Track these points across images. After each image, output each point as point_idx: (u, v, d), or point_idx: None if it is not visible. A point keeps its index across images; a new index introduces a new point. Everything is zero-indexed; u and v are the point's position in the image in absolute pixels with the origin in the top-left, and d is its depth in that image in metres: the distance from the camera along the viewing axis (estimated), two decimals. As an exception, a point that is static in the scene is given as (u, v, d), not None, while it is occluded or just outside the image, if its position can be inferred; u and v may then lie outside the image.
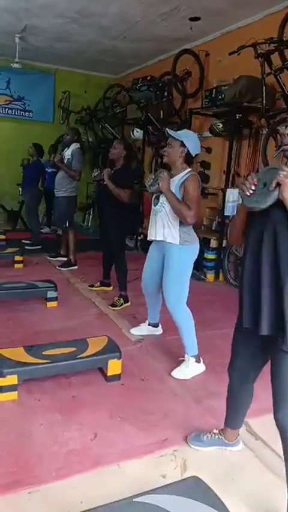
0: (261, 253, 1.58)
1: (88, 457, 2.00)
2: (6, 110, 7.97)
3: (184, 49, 5.78)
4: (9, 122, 8.00)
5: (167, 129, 2.82)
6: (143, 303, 3.42)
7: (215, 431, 2.10)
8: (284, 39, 4.00)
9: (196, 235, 2.92)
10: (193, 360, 2.85)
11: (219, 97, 4.93)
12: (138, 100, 6.50)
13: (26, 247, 5.89)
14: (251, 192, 1.61)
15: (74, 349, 2.67)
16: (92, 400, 2.46)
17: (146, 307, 3.38)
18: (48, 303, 3.95)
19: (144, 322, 3.44)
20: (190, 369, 2.83)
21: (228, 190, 4.78)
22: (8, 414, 2.30)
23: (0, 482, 1.80)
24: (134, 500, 1.45)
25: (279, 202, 1.49)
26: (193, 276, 2.89)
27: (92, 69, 8.06)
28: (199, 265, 5.00)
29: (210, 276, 5.15)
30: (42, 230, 7.33)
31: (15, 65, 6.62)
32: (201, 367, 2.87)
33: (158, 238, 2.88)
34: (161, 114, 6.03)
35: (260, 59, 4.11)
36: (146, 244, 6.25)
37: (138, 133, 6.84)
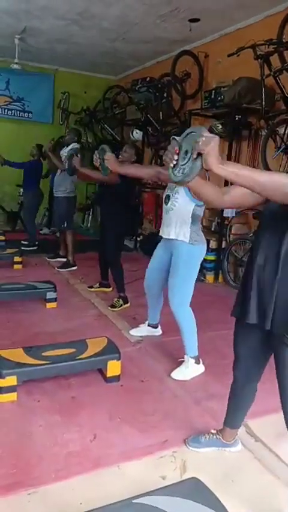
0: (279, 252, 1.54)
1: (88, 459, 2.00)
2: (6, 110, 7.97)
3: (183, 50, 5.79)
4: (9, 122, 8.01)
5: (174, 137, 2.80)
6: (143, 304, 3.42)
7: (212, 431, 2.10)
8: (284, 40, 4.02)
9: (204, 237, 2.92)
10: (193, 361, 2.85)
11: (219, 98, 4.94)
12: (137, 101, 6.51)
13: (23, 248, 5.89)
14: (174, 162, 1.44)
15: (73, 350, 2.67)
16: (92, 401, 2.46)
17: (146, 308, 3.38)
18: (47, 304, 3.95)
19: (144, 323, 3.44)
20: (190, 370, 2.83)
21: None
22: (7, 415, 2.30)
23: (0, 483, 1.80)
24: (133, 501, 1.45)
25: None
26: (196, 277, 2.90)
27: (92, 70, 8.07)
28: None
29: (209, 277, 5.16)
30: (41, 231, 7.33)
31: (15, 66, 6.62)
32: (200, 368, 2.87)
33: (170, 237, 2.87)
34: (161, 115, 6.05)
35: (259, 60, 4.12)
36: (145, 245, 6.31)
37: (137, 134, 6.85)
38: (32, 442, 2.09)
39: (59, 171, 5.32)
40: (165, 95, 6.14)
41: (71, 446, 2.07)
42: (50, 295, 3.96)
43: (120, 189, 3.86)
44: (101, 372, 2.71)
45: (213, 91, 5.05)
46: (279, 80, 4.10)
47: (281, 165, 4.34)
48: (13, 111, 8.02)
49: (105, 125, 7.64)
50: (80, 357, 2.61)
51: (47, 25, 5.68)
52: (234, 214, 4.90)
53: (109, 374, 2.65)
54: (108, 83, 8.09)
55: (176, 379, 2.76)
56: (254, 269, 1.65)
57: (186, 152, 1.39)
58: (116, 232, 4.10)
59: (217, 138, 1.34)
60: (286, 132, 4.24)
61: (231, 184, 1.51)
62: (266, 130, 4.55)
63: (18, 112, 8.07)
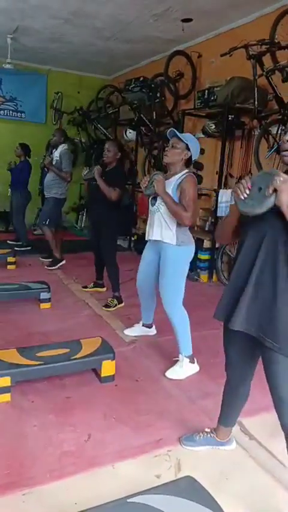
0: (256, 257, 1.58)
1: (82, 458, 2.00)
2: (-2, 110, 7.93)
3: (176, 50, 5.80)
4: (1, 122, 7.96)
5: (172, 129, 2.82)
6: (137, 303, 3.42)
7: (207, 430, 2.11)
8: (276, 40, 4.03)
9: (192, 237, 2.93)
10: (187, 360, 2.85)
11: (212, 98, 4.95)
12: (131, 101, 6.51)
13: (16, 248, 5.87)
14: (245, 196, 1.59)
15: (67, 350, 2.67)
16: (86, 401, 2.46)
17: (140, 308, 3.38)
18: (41, 305, 3.94)
19: (138, 322, 3.45)
20: (184, 369, 2.83)
21: (220, 191, 4.80)
22: (1, 416, 2.29)
23: (-6, 484, 1.79)
24: (128, 500, 1.45)
25: (275, 208, 1.49)
26: (187, 276, 2.90)
27: (85, 70, 8.05)
28: (193, 266, 4.99)
29: (203, 276, 5.17)
30: (34, 232, 7.30)
31: (7, 66, 6.58)
32: (195, 368, 2.88)
33: (155, 238, 2.88)
34: (154, 115, 6.04)
35: (251, 60, 4.13)
36: (139, 245, 6.30)
37: (131, 134, 6.85)
38: (27, 443, 2.08)
39: (49, 171, 5.29)
40: (158, 94, 6.14)
41: (66, 446, 2.07)
42: (44, 295, 3.95)
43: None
44: (96, 371, 2.71)
45: (206, 91, 5.06)
46: (272, 79, 4.11)
47: (273, 165, 4.36)
48: (6, 111, 7.97)
49: (99, 125, 7.62)
50: (74, 357, 2.61)
51: (40, 24, 5.66)
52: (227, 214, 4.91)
53: (103, 374, 2.65)
54: (101, 82, 8.07)
55: (171, 378, 2.77)
56: (233, 274, 1.70)
57: (259, 189, 1.54)
58: (111, 232, 4.10)
59: None
60: (279, 131, 4.26)
61: None
62: (258, 130, 4.56)
63: (10, 112, 8.02)
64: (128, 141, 7.03)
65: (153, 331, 3.43)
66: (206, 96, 5.06)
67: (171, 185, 2.78)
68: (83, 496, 1.75)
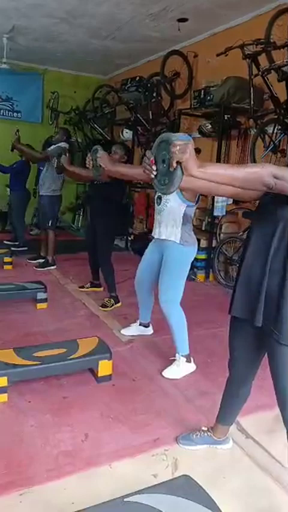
0: (269, 251, 1.55)
1: (79, 458, 2.00)
2: (-5, 110, 7.92)
3: (173, 50, 5.80)
4: (-2, 122, 7.95)
5: (168, 133, 2.78)
6: (134, 303, 3.42)
7: (204, 428, 2.12)
8: (271, 40, 4.04)
9: (195, 238, 2.93)
10: (184, 359, 2.86)
11: (208, 98, 4.95)
12: (127, 101, 6.50)
13: (13, 248, 5.86)
14: (155, 173, 1.45)
15: (64, 350, 2.67)
16: (83, 401, 2.46)
17: (137, 308, 3.38)
18: (38, 305, 3.93)
19: (135, 322, 3.45)
20: (181, 368, 2.84)
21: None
22: (-2, 416, 2.29)
23: (-9, 484, 1.79)
24: (125, 500, 1.46)
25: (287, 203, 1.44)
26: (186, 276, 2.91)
27: (81, 69, 8.04)
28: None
29: (200, 275, 5.18)
30: (31, 232, 7.29)
31: (3, 65, 6.58)
32: (192, 367, 2.89)
33: (161, 237, 2.88)
34: (150, 114, 6.04)
35: (247, 60, 4.14)
36: (136, 245, 6.31)
37: (127, 133, 6.85)
38: (24, 443, 2.08)
39: (45, 168, 5.27)
40: (154, 94, 6.13)
41: (63, 446, 2.07)
42: (41, 295, 3.94)
43: (111, 188, 3.86)
44: (93, 371, 2.71)
45: (203, 90, 5.06)
46: (268, 79, 4.12)
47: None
48: (2, 111, 7.96)
49: (95, 125, 7.61)
50: (71, 357, 2.61)
51: (36, 24, 5.65)
52: (224, 214, 4.93)
53: (100, 374, 2.65)
54: (97, 82, 8.07)
55: (168, 378, 2.77)
56: (243, 266, 1.67)
57: (163, 161, 1.40)
58: (107, 232, 4.09)
59: (191, 141, 1.36)
60: (275, 131, 4.27)
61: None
62: (254, 130, 4.58)
63: (7, 112, 8.01)
64: (125, 140, 7.02)
65: (150, 330, 3.44)
66: (202, 96, 5.06)
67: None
68: (80, 496, 1.75)
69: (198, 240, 5.06)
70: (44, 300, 3.96)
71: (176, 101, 6.05)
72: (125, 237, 6.78)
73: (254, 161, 4.47)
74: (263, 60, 4.13)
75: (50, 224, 5.28)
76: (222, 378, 1.99)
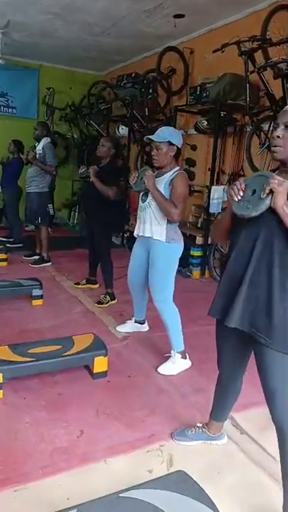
0: (251, 256, 1.58)
1: (74, 454, 2.00)
2: (-11, 106, 7.87)
3: (169, 46, 5.79)
4: (-8, 118, 7.90)
5: (147, 136, 2.80)
6: (130, 300, 3.42)
7: (198, 424, 2.13)
8: (267, 37, 4.04)
9: (181, 234, 2.94)
10: (179, 356, 2.87)
11: (204, 94, 4.95)
12: (123, 97, 6.49)
13: (8, 245, 5.84)
14: (239, 198, 1.58)
15: (59, 347, 2.67)
16: (78, 398, 2.46)
17: (132, 305, 3.39)
18: (33, 301, 3.92)
19: (131, 319, 3.45)
20: (176, 365, 2.85)
21: (213, 187, 4.81)
22: (-7, 413, 2.29)
23: (-15, 481, 1.79)
24: (120, 495, 1.46)
25: (270, 210, 1.49)
26: (179, 272, 2.92)
27: (77, 65, 8.00)
28: (185, 262, 5.02)
29: (196, 272, 5.18)
30: (26, 228, 7.27)
31: (-2, 61, 6.54)
32: (187, 363, 2.89)
33: (145, 235, 2.89)
34: (146, 111, 6.03)
35: (243, 56, 4.13)
36: (132, 242, 6.26)
37: (123, 130, 6.83)
38: (19, 439, 2.08)
39: (32, 166, 5.22)
40: (150, 90, 6.12)
41: (58, 442, 2.08)
42: (36, 292, 3.93)
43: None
44: (88, 368, 2.71)
45: (199, 87, 5.06)
46: (264, 76, 4.12)
47: (265, 162, 4.38)
48: (-3, 107, 7.92)
49: (91, 121, 7.59)
50: (66, 353, 2.61)
51: (31, 19, 5.61)
52: (219, 210, 4.93)
53: (96, 370, 2.65)
54: (93, 78, 8.03)
55: (163, 374, 2.78)
56: (227, 267, 1.70)
57: (253, 191, 1.55)
58: (104, 229, 4.09)
59: (287, 182, 1.46)
60: (270, 128, 4.27)
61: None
62: (250, 127, 4.58)
63: (2, 107, 7.95)
64: (121, 137, 7.01)
65: (145, 327, 3.44)
66: (198, 93, 5.05)
67: (163, 182, 2.78)
68: (75, 492, 1.75)
69: (194, 237, 5.13)
70: (40, 297, 3.96)
71: (172, 98, 6.04)
72: (121, 234, 6.77)
73: (249, 158, 4.48)
74: (259, 56, 4.13)
75: (40, 221, 5.24)
76: (217, 374, 1.99)
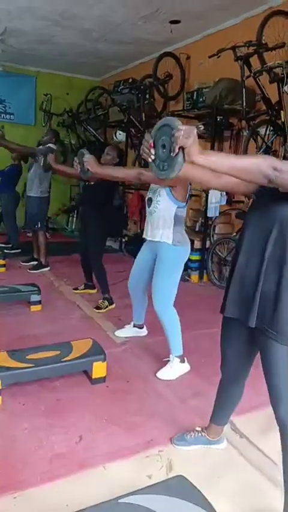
0: (264, 252, 1.54)
1: (73, 460, 1.99)
2: (-13, 112, 7.89)
3: (165, 52, 5.82)
4: (-10, 124, 7.92)
5: (147, 131, 2.81)
6: (128, 305, 3.42)
7: (197, 429, 2.12)
8: (263, 42, 4.06)
9: (188, 238, 2.94)
10: (178, 360, 2.86)
11: (201, 99, 4.98)
12: (120, 102, 6.52)
13: (6, 251, 5.84)
14: (153, 157, 1.41)
15: (58, 352, 2.66)
16: (77, 403, 2.45)
17: (131, 309, 3.38)
18: (31, 307, 3.92)
19: (129, 323, 3.45)
20: (175, 369, 2.84)
21: (210, 191, 4.82)
22: (-9, 419, 2.28)
23: (-16, 488, 1.78)
24: (119, 501, 1.45)
25: (280, 195, 1.41)
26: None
27: (74, 71, 8.05)
28: (183, 266, 5.01)
29: (194, 276, 5.18)
30: (28, 235, 7.25)
31: (-4, 67, 6.57)
32: (186, 368, 2.89)
33: (152, 239, 2.88)
34: (143, 116, 6.05)
35: (239, 61, 4.16)
36: (130, 246, 6.31)
37: (121, 135, 6.85)
38: (17, 446, 2.07)
39: (32, 170, 5.24)
40: (147, 96, 6.16)
41: (57, 448, 2.07)
42: (34, 297, 3.93)
43: (101, 190, 3.86)
44: (87, 373, 2.70)
45: (195, 92, 5.09)
46: (259, 80, 4.14)
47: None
48: (-6, 113, 7.95)
49: (88, 127, 7.61)
50: (65, 359, 2.60)
51: (28, 26, 5.64)
52: (217, 215, 4.95)
53: (94, 375, 2.65)
54: (90, 84, 8.06)
55: (162, 379, 2.77)
56: (237, 266, 1.66)
57: (163, 146, 1.35)
58: (98, 234, 4.08)
59: (194, 128, 1.33)
60: (267, 132, 4.30)
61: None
62: (247, 131, 4.60)
63: (0, 114, 7.99)
64: (118, 142, 7.03)
65: (144, 331, 3.44)
66: (194, 98, 5.09)
67: (163, 187, 2.77)
68: (74, 498, 1.74)
69: (192, 241, 5.12)
70: (38, 302, 3.95)
71: (168, 103, 6.07)
72: (119, 239, 6.78)
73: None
74: (254, 61, 4.16)
75: (39, 226, 5.24)
76: (216, 377, 1.99)
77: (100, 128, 7.54)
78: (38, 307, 3.94)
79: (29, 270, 5.23)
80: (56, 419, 2.29)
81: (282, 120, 4.03)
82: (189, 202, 4.49)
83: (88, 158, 2.61)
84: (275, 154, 4.34)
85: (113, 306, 4.05)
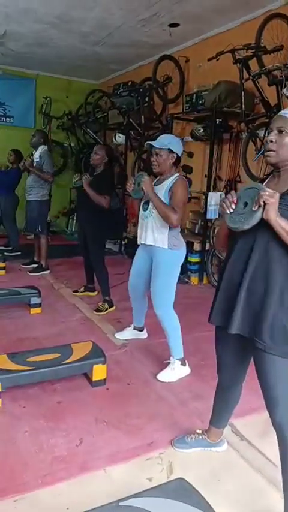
0: (248, 263, 1.59)
1: (74, 463, 1.99)
2: (-13, 115, 7.91)
3: (164, 55, 5.84)
4: (-10, 127, 7.94)
5: (148, 142, 2.82)
6: (128, 307, 3.42)
7: (198, 431, 2.12)
8: (262, 45, 4.08)
9: (183, 239, 2.94)
10: (178, 362, 2.86)
11: (200, 102, 4.99)
12: (119, 105, 6.53)
13: (6, 254, 5.84)
14: (231, 211, 1.60)
15: (58, 355, 2.66)
16: (77, 406, 2.45)
17: (131, 312, 3.38)
18: (31, 310, 3.92)
19: (129, 326, 3.45)
20: (175, 371, 2.84)
21: (210, 194, 4.83)
22: (-8, 422, 2.27)
23: (-16, 491, 1.78)
24: (120, 504, 1.45)
25: (264, 221, 1.50)
26: (177, 279, 2.91)
27: (73, 74, 8.06)
28: (183, 268, 5.00)
29: (194, 279, 5.19)
30: (28, 237, 7.26)
31: (-5, 71, 6.58)
32: (186, 370, 2.89)
33: (148, 243, 2.89)
34: (143, 119, 6.07)
35: (238, 64, 4.17)
36: (130, 249, 6.31)
37: (120, 138, 6.86)
38: (18, 448, 2.07)
39: (31, 175, 5.24)
40: (146, 99, 6.16)
41: (57, 451, 2.06)
42: (34, 300, 3.93)
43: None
44: (87, 376, 2.70)
45: (194, 95, 5.10)
46: (258, 83, 4.16)
47: (261, 168, 4.40)
48: (-6, 116, 7.96)
49: (88, 129, 7.64)
50: (65, 361, 2.60)
51: (27, 29, 5.66)
52: (217, 217, 4.95)
53: (95, 378, 2.65)
54: (90, 87, 8.08)
55: (162, 381, 2.77)
56: (225, 273, 1.70)
57: (245, 204, 1.55)
58: (96, 238, 4.09)
59: (278, 194, 1.48)
60: (266, 134, 4.30)
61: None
62: (246, 134, 4.61)
63: (-1, 117, 8.01)
64: (118, 145, 7.05)
65: (144, 334, 3.44)
66: (194, 100, 5.10)
67: (162, 189, 2.79)
68: (75, 501, 1.74)
69: (192, 243, 5.14)
70: (38, 305, 3.95)
71: (168, 105, 6.08)
72: (118, 241, 6.78)
73: (245, 165, 4.51)
74: (253, 64, 4.17)
75: (40, 229, 5.24)
76: (216, 380, 1.99)
77: (100, 130, 7.56)
78: (38, 310, 3.94)
79: (29, 272, 5.23)
80: (56, 422, 2.29)
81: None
82: (189, 204, 4.53)
83: (146, 180, 2.76)
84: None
85: (113, 308, 4.05)
